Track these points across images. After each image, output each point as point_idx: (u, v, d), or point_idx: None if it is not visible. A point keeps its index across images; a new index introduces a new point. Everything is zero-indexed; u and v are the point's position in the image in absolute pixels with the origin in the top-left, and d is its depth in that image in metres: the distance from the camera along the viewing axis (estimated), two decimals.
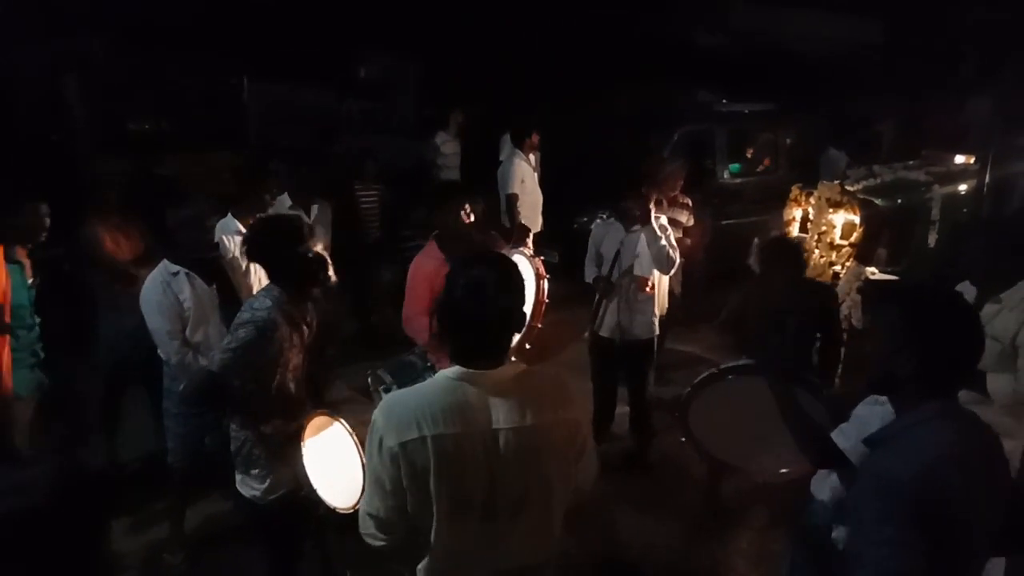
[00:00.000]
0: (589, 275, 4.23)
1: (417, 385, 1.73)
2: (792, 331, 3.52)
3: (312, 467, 2.50)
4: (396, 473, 1.63)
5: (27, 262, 3.40)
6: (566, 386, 1.83)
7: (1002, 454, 1.70)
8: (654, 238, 3.87)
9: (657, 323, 4.21)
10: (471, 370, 1.68)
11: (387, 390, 2.37)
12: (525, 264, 3.20)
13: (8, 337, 3.27)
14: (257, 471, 2.71)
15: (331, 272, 2.62)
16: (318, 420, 2.49)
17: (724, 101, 7.89)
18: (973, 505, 1.56)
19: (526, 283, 2.84)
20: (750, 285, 4.83)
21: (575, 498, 1.84)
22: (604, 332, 4.16)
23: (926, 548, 1.49)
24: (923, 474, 1.52)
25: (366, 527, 1.73)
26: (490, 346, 1.70)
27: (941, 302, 1.72)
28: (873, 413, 2.18)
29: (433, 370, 2.15)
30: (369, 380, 2.46)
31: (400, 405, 1.68)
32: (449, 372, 1.70)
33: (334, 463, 2.46)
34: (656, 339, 4.28)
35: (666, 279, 4.45)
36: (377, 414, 1.69)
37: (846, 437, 2.17)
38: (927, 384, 1.64)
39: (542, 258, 3.72)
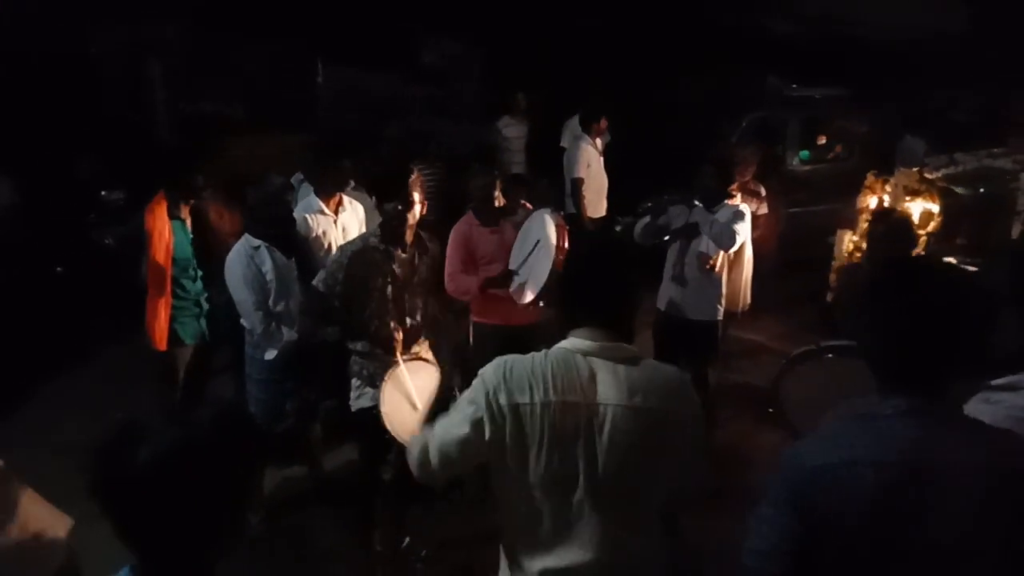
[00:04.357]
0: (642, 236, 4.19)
1: (532, 353, 1.73)
2: None
3: (392, 401, 2.74)
4: (495, 428, 1.61)
5: (188, 219, 3.67)
6: (685, 381, 1.78)
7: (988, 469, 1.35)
8: (706, 219, 3.91)
9: (721, 308, 4.15)
10: (585, 342, 1.69)
11: None
12: (548, 219, 3.47)
13: (170, 293, 3.58)
14: (355, 380, 3.10)
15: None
16: (413, 363, 2.84)
17: (795, 87, 7.68)
18: (904, 519, 1.33)
19: (550, 234, 3.26)
20: (857, 264, 4.69)
21: (674, 498, 1.79)
22: (663, 307, 4.16)
23: (800, 540, 1.36)
24: (830, 470, 1.35)
25: (410, 457, 1.77)
26: (605, 318, 1.72)
27: (899, 283, 1.44)
28: (980, 412, 1.96)
29: None
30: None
31: (516, 364, 1.67)
32: (565, 343, 1.73)
33: (418, 404, 2.70)
34: (719, 324, 4.24)
35: (749, 267, 4.40)
36: (488, 368, 1.69)
37: None
38: (892, 376, 1.41)
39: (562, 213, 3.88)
